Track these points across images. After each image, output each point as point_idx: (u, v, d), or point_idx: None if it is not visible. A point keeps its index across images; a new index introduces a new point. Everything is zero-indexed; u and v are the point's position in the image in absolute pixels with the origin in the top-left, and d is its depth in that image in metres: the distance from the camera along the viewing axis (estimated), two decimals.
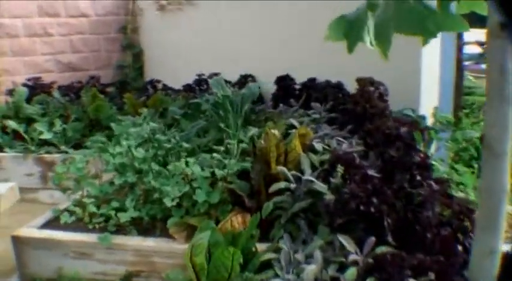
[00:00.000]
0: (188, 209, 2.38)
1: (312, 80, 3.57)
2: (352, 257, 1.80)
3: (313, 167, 2.39)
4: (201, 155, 2.59)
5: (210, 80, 3.01)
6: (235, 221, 2.26)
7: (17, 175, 3.95)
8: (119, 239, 2.35)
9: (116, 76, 6.07)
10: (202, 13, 4.91)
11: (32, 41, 5.52)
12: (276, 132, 2.38)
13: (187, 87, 4.51)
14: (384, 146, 2.27)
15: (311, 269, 1.78)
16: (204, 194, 2.27)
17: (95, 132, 4.00)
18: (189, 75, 4.67)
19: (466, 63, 5.51)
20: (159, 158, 2.58)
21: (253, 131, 2.79)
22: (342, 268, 1.82)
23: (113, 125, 3.24)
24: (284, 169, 2.29)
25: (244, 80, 4.34)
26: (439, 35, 1.34)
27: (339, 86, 3.12)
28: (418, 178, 2.14)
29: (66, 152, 3.81)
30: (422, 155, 2.24)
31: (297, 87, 3.71)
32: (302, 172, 2.34)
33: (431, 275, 1.65)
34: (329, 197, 2.06)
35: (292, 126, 2.83)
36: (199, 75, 4.53)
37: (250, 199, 2.33)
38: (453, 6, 1.44)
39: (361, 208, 1.90)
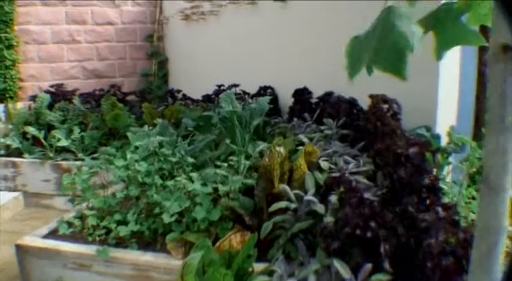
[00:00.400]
0: (189, 225, 2.35)
1: (329, 94, 3.49)
2: None
3: (319, 186, 2.32)
4: (206, 170, 2.55)
5: (223, 94, 2.97)
6: (234, 239, 2.21)
7: (35, 180, 4.02)
8: (118, 253, 2.33)
9: (141, 84, 6.14)
10: (224, 24, 4.92)
11: (59, 47, 5.65)
12: (281, 149, 2.32)
13: (206, 98, 4.50)
14: (392, 167, 2.19)
15: None
16: (204, 211, 2.23)
17: (112, 141, 4.04)
18: (211, 84, 4.67)
19: None
20: (163, 172, 2.55)
21: (262, 146, 2.74)
22: None
23: (129, 134, 3.24)
24: (286, 188, 2.23)
25: (264, 92, 4.30)
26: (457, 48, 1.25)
27: (351, 102, 3.03)
28: (427, 201, 2.06)
29: (83, 160, 3.84)
30: (432, 177, 2.15)
31: (314, 101, 3.64)
32: (306, 191, 2.27)
33: None
34: (328, 219, 1.99)
35: (303, 143, 2.77)
36: (218, 86, 4.52)
37: (251, 217, 2.27)
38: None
39: (357, 232, 1.82)
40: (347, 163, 2.47)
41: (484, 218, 1.23)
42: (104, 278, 2.34)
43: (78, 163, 3.76)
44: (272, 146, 2.27)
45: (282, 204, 2.18)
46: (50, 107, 4.51)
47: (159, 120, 3.37)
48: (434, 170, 2.51)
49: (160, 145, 2.76)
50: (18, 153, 4.14)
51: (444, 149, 2.55)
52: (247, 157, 2.70)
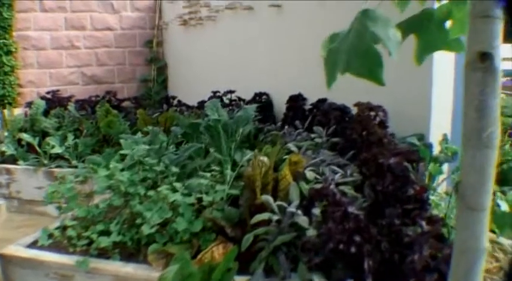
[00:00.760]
0: (172, 236, 2.30)
1: (322, 101, 3.44)
2: None
3: (303, 198, 2.26)
4: (191, 179, 2.51)
5: (207, 101, 2.92)
6: (216, 251, 2.16)
7: (28, 187, 4.00)
8: (99, 264, 2.29)
9: (140, 90, 6.13)
10: (221, 29, 4.89)
11: (58, 53, 5.66)
12: (264, 159, 2.28)
13: (201, 105, 4.46)
14: (376, 177, 2.13)
15: None
16: (186, 222, 2.19)
17: (106, 147, 4.01)
18: (208, 90, 4.64)
19: (503, 79, 5.22)
20: (148, 182, 2.51)
21: (250, 155, 2.69)
22: None
23: (122, 141, 3.21)
24: (269, 199, 2.18)
25: (259, 98, 4.26)
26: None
27: (343, 109, 2.98)
28: (412, 214, 1.99)
29: (76, 167, 3.82)
30: (418, 188, 2.08)
31: (308, 107, 3.59)
32: (290, 203, 2.22)
33: None
34: (311, 232, 1.93)
35: (292, 151, 2.72)
36: (214, 92, 4.48)
37: (233, 228, 2.22)
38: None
39: (341, 247, 1.76)
40: (334, 172, 2.41)
41: (462, 239, 1.12)
42: None
43: (71, 170, 3.74)
44: (254, 155, 2.22)
45: (264, 216, 2.13)
46: (46, 113, 4.50)
47: (149, 128, 3.33)
48: (426, 180, 2.44)
49: (149, 153, 2.72)
50: (13, 160, 4.12)
51: (436, 159, 2.48)
52: (235, 166, 2.65)
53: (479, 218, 1.08)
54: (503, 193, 2.64)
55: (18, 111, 5.00)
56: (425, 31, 1.32)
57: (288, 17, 4.02)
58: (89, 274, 2.29)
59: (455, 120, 3.13)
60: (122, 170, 2.51)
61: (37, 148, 4.04)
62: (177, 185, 2.35)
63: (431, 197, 2.25)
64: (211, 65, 5.08)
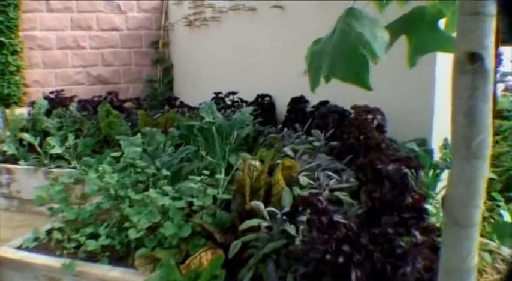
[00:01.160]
0: (161, 240, 2.25)
1: (324, 104, 3.37)
2: None
3: (293, 204, 2.19)
4: (184, 183, 2.45)
5: (203, 103, 2.86)
6: (205, 257, 2.10)
7: (28, 187, 3.98)
8: (86, 267, 2.25)
9: (146, 90, 6.11)
10: (225, 30, 4.84)
11: (64, 53, 5.65)
12: (256, 163, 2.21)
13: None
14: (373, 183, 2.06)
15: None
16: (174, 227, 2.13)
17: (106, 148, 3.98)
18: (212, 91, 4.58)
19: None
20: (139, 185, 2.47)
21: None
22: None
23: (121, 142, 3.17)
24: (259, 204, 2.11)
25: (261, 100, 4.20)
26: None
27: (341, 112, 2.90)
28: (408, 223, 1.92)
29: (75, 168, 3.79)
30: (417, 196, 2.00)
31: (309, 110, 3.52)
32: (283, 209, 2.15)
33: None
34: (298, 240, 1.87)
35: (288, 155, 2.65)
36: (216, 93, 4.43)
37: (222, 234, 2.16)
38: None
39: (328, 257, 1.69)
40: (330, 178, 2.34)
41: (448, 258, 1.00)
42: None
43: (69, 170, 3.71)
44: (243, 159, 2.16)
45: (254, 222, 2.06)
46: (49, 113, 4.49)
47: (147, 129, 3.29)
48: (425, 188, 2.36)
49: (142, 156, 2.67)
50: (14, 159, 4.11)
51: (436, 165, 2.40)
52: (230, 169, 2.60)
53: (467, 235, 0.96)
54: (510, 200, 2.54)
55: (22, 111, 5.00)
56: (417, 31, 1.24)
57: (291, 18, 3.96)
58: (76, 277, 2.25)
59: None
60: (108, 173, 2.46)
61: (38, 148, 4.02)
62: (167, 188, 2.30)
63: (429, 206, 2.17)
64: (215, 66, 5.03)
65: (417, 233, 1.81)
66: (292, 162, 2.28)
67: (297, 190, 2.27)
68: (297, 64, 3.95)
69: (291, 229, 1.95)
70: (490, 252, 2.24)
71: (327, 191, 2.22)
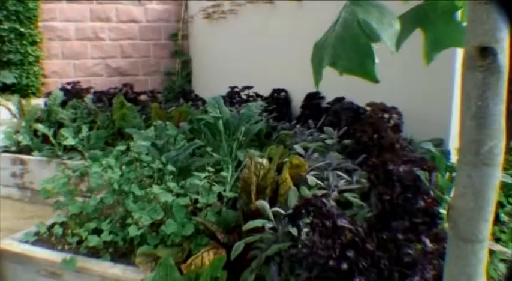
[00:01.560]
0: (164, 237, 2.19)
1: (339, 100, 3.26)
2: None
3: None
4: (190, 179, 2.38)
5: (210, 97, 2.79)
6: (207, 257, 2.03)
7: (41, 178, 3.96)
8: (87, 263, 2.21)
9: (164, 83, 6.06)
10: (243, 23, 4.74)
11: (82, 44, 5.64)
12: (263, 160, 2.13)
13: None
14: (384, 185, 1.95)
15: None
16: (176, 225, 2.06)
17: (119, 141, 3.94)
18: (228, 85, 4.50)
19: None
20: (146, 180, 2.41)
21: (257, 154, 2.54)
22: None
23: (134, 135, 3.13)
24: (264, 204, 2.03)
25: (277, 94, 4.10)
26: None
27: (355, 109, 2.78)
28: (420, 228, 1.81)
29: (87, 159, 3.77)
30: (429, 200, 1.90)
31: (324, 106, 3.41)
32: (289, 209, 2.06)
33: None
34: (301, 243, 1.78)
35: (298, 153, 2.55)
36: (231, 87, 4.35)
37: (226, 234, 2.09)
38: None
39: (331, 263, 1.60)
40: (340, 178, 2.24)
41: (451, 275, 0.89)
42: None
43: (80, 162, 3.69)
44: (248, 157, 2.07)
45: (258, 222, 1.98)
46: (64, 104, 4.47)
47: (159, 122, 3.23)
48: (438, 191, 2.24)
49: (149, 150, 2.61)
50: (29, 150, 4.11)
51: (452, 167, 2.27)
52: (238, 166, 2.52)
53: (474, 251, 0.85)
54: None
55: (38, 101, 4.99)
56: (432, 24, 1.12)
57: (309, 11, 3.84)
58: (77, 273, 2.21)
59: None
60: (111, 167, 2.41)
61: (52, 139, 4.01)
62: (172, 184, 2.23)
63: (443, 210, 2.05)
64: (232, 59, 4.94)
65: (427, 241, 1.70)
66: (301, 160, 2.19)
67: (304, 190, 2.18)
68: None
69: (294, 231, 1.86)
70: (502, 261, 2.11)
71: (335, 192, 2.12)
